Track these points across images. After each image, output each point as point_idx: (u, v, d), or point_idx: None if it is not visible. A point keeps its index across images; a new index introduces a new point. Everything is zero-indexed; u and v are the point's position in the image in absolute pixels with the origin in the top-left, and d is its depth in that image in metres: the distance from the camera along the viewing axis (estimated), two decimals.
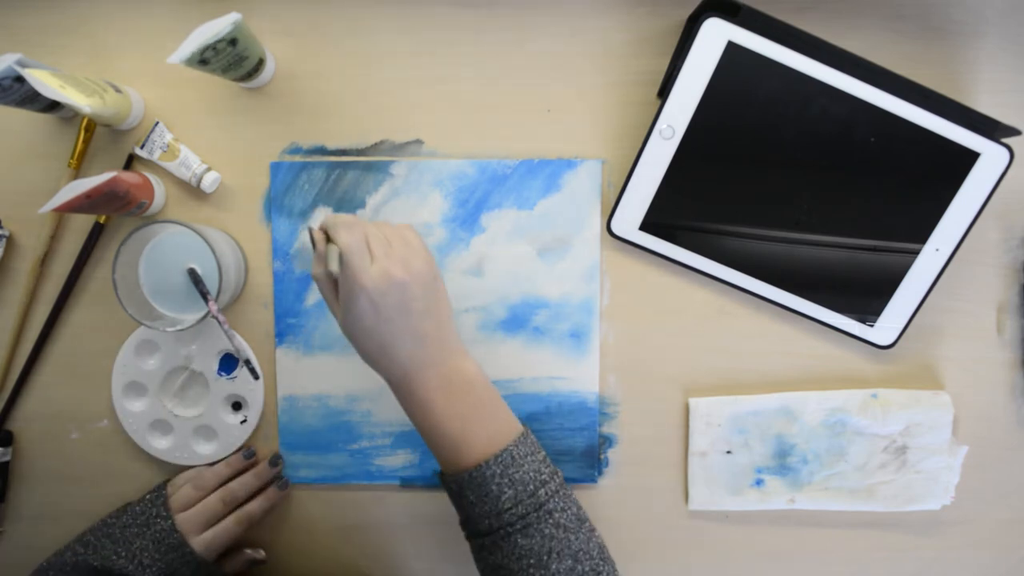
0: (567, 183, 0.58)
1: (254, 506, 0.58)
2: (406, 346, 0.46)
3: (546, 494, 0.47)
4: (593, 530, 0.49)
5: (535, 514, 0.46)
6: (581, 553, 0.47)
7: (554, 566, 0.46)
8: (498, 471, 0.46)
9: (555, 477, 0.49)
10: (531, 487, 0.47)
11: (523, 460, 0.47)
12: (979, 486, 0.60)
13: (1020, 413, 0.60)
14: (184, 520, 0.55)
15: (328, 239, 0.48)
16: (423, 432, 0.48)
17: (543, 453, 0.49)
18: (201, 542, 0.55)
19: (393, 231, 0.48)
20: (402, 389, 0.48)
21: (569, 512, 0.48)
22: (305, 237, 0.54)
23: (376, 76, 0.58)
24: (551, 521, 0.46)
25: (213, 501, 0.56)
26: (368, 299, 0.45)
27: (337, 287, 0.47)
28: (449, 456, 0.48)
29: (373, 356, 0.47)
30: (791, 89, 0.53)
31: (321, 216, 0.58)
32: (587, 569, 0.46)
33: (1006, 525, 0.61)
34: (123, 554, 0.52)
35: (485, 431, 0.48)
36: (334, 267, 0.46)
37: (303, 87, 0.58)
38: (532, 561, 0.46)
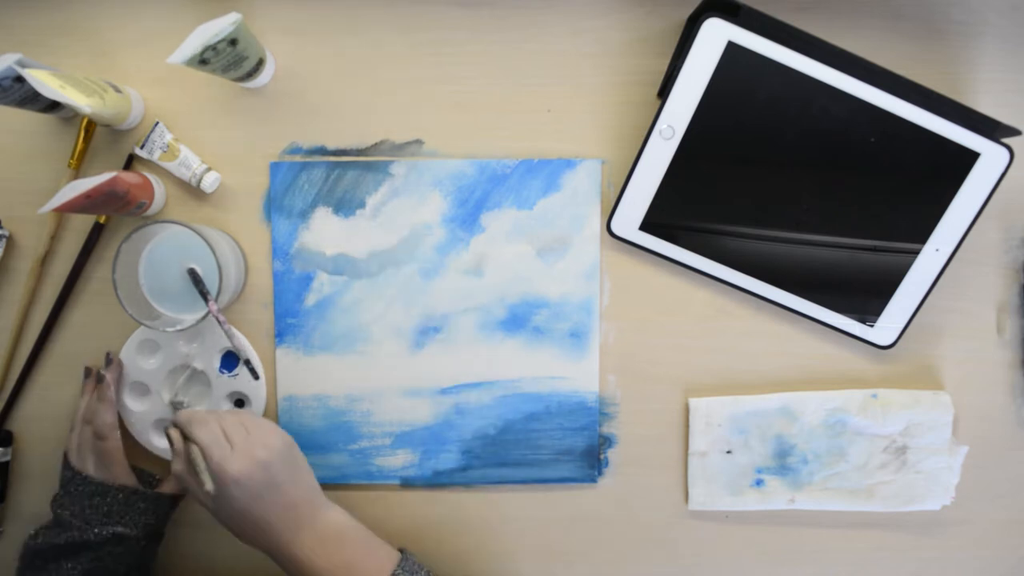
0: (567, 183, 0.58)
1: (101, 407, 0.57)
2: (279, 517, 0.49)
3: None
4: None
5: None
6: None
7: None
8: None
9: None
10: None
11: None
12: (979, 486, 0.60)
13: (1020, 413, 0.60)
14: (75, 460, 0.55)
15: (184, 437, 0.50)
16: None
17: (426, 569, 0.52)
18: (91, 467, 0.55)
19: (245, 416, 0.52)
20: (284, 557, 0.50)
21: None
22: (172, 437, 0.54)
23: (376, 76, 0.58)
24: None
25: (80, 428, 0.57)
26: (236, 485, 0.48)
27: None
28: None
29: (251, 535, 0.50)
30: (791, 89, 0.53)
31: (323, 216, 0.58)
32: None
33: (1006, 525, 0.61)
34: (76, 526, 0.53)
35: (368, 568, 0.50)
36: (209, 487, 0.48)
37: (303, 87, 0.58)
38: None
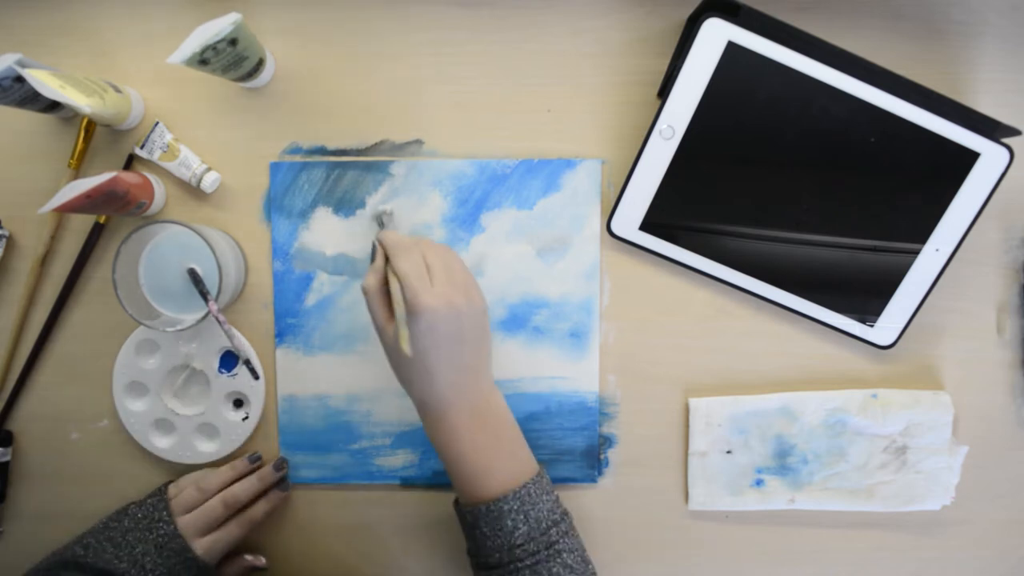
0: (567, 183, 0.58)
1: (256, 509, 0.58)
2: (448, 374, 0.48)
3: (557, 534, 0.48)
4: (595, 573, 0.51)
5: (545, 552, 0.47)
6: None
7: None
8: (515, 507, 0.48)
9: (566, 518, 0.50)
10: (544, 525, 0.48)
11: (538, 499, 0.49)
12: (979, 486, 0.60)
13: (1020, 413, 0.60)
14: (186, 524, 0.55)
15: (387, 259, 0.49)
16: (447, 461, 0.49)
17: (556, 493, 0.51)
18: (202, 545, 0.54)
19: (454, 258, 0.50)
20: (434, 416, 0.49)
21: (576, 553, 0.49)
22: (369, 246, 0.53)
23: (376, 76, 0.58)
24: (559, 561, 0.48)
25: (215, 504, 0.56)
26: (426, 322, 0.46)
27: (388, 299, 0.48)
28: (468, 487, 0.49)
29: (413, 379, 0.48)
30: (791, 89, 0.53)
31: (323, 216, 0.58)
32: None
33: (1006, 525, 0.61)
34: (124, 558, 0.52)
35: (506, 466, 0.49)
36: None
37: (303, 87, 0.58)
38: None
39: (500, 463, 0.49)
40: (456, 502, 0.52)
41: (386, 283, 0.48)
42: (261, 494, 0.59)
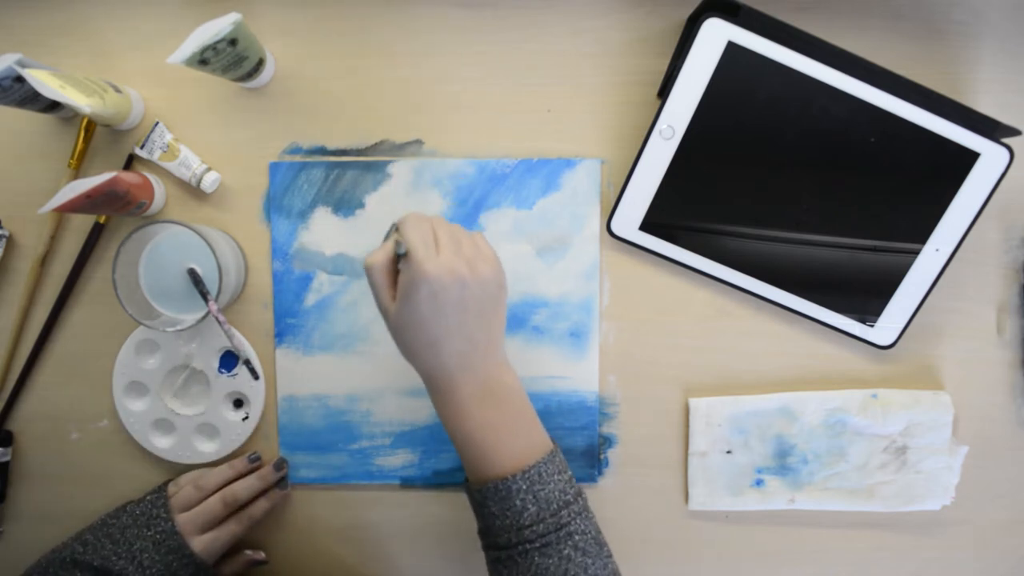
0: (566, 182, 0.58)
1: (256, 507, 0.58)
2: (454, 346, 0.46)
3: (568, 515, 0.47)
4: (610, 556, 0.49)
5: (555, 534, 0.46)
6: None
7: None
8: (524, 486, 0.46)
9: (579, 499, 0.49)
10: (554, 506, 0.47)
11: (549, 478, 0.47)
12: (979, 486, 0.60)
13: (1020, 413, 0.60)
14: (185, 521, 0.55)
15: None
16: (454, 436, 0.48)
17: (570, 473, 0.50)
18: (200, 543, 0.55)
19: (464, 234, 0.48)
20: (441, 390, 0.47)
21: (589, 536, 0.48)
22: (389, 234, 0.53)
23: (376, 76, 0.58)
24: (570, 543, 0.47)
25: (215, 502, 0.56)
26: (429, 289, 0.44)
27: (394, 277, 0.47)
28: (477, 464, 0.48)
29: (419, 350, 0.47)
30: (791, 89, 0.53)
31: (323, 216, 0.58)
32: None
33: (1006, 525, 0.61)
34: (123, 554, 0.52)
35: (516, 445, 0.48)
36: (401, 249, 0.45)
37: (303, 87, 0.58)
38: None
39: (510, 441, 0.47)
40: (465, 481, 0.51)
41: (393, 262, 0.47)
42: (261, 493, 0.59)
